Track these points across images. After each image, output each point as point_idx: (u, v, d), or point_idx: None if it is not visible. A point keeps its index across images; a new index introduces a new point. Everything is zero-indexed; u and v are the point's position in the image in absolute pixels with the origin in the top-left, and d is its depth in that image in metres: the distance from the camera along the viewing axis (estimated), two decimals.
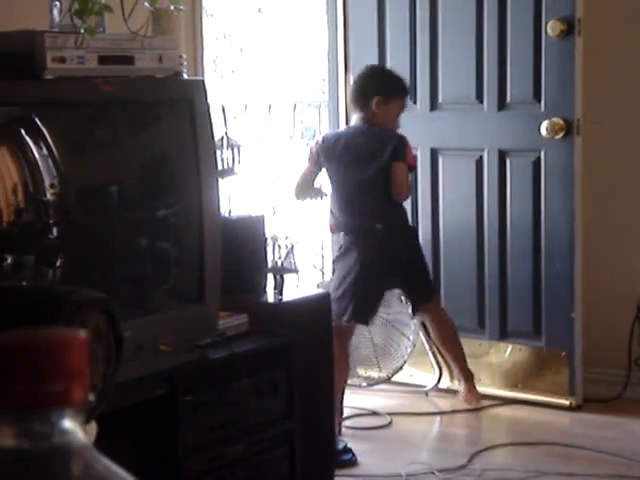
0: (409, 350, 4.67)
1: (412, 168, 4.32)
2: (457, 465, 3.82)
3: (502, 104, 4.52)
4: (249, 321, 3.17)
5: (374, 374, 4.72)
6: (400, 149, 4.16)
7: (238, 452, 3.00)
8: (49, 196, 2.58)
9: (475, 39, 4.52)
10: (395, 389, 4.72)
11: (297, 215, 5.13)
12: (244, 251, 3.35)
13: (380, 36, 4.73)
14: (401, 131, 4.24)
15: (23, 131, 2.56)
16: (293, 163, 5.46)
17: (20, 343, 0.63)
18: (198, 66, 4.17)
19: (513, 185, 4.52)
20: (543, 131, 4.40)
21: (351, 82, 4.79)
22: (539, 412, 4.43)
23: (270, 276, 3.45)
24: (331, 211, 4.30)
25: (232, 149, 3.47)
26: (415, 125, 4.50)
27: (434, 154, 4.69)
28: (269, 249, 3.53)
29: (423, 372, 4.74)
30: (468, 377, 4.49)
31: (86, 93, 2.71)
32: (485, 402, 4.51)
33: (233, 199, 3.58)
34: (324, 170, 4.27)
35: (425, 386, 4.71)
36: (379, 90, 4.18)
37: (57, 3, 2.81)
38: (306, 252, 4.72)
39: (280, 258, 3.57)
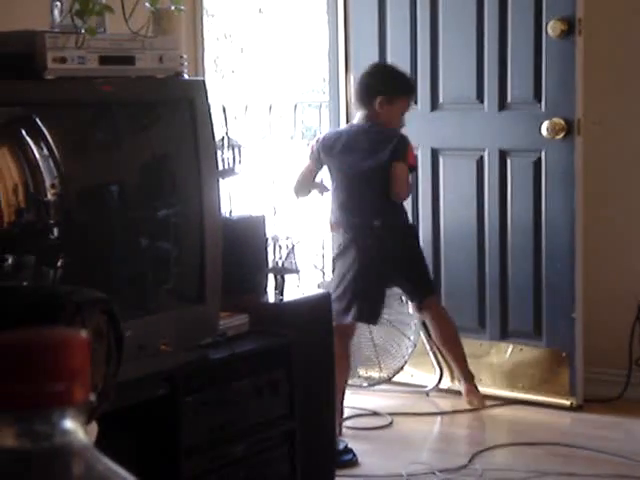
0: (410, 350, 4.67)
1: (413, 168, 4.31)
2: (458, 465, 3.82)
3: (503, 104, 4.52)
4: (250, 321, 3.17)
5: (375, 374, 4.72)
6: (400, 149, 4.15)
7: (239, 452, 3.00)
8: (50, 196, 2.58)
9: (476, 39, 4.52)
10: (396, 389, 4.72)
11: (298, 215, 5.13)
12: (245, 251, 3.35)
13: (381, 36, 4.73)
14: (402, 131, 4.24)
15: (24, 131, 2.56)
16: (294, 163, 5.46)
17: (21, 343, 0.63)
18: (199, 66, 4.17)
19: (514, 185, 4.52)
20: (544, 131, 4.40)
21: (352, 82, 4.79)
22: (540, 412, 4.43)
23: (271, 276, 3.45)
24: (331, 209, 4.29)
25: (233, 149, 3.47)
26: (416, 125, 4.50)
27: (435, 154, 4.69)
28: (270, 249, 3.53)
29: (424, 372, 4.74)
30: (468, 377, 4.49)
31: (87, 93, 2.71)
32: (486, 402, 4.51)
33: (234, 199, 3.58)
34: (325, 168, 4.27)
35: (426, 386, 4.71)
36: (383, 90, 4.16)
37: (58, 3, 2.81)
38: (307, 252, 4.72)
39: (281, 258, 3.57)
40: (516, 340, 4.59)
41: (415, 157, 4.37)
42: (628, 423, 4.25)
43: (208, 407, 2.90)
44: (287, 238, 3.65)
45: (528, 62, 4.41)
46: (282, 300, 3.39)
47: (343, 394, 4.13)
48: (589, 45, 4.32)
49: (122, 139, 2.89)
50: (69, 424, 0.64)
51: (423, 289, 4.41)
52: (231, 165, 3.47)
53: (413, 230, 4.46)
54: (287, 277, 3.47)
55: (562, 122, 4.37)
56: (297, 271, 3.62)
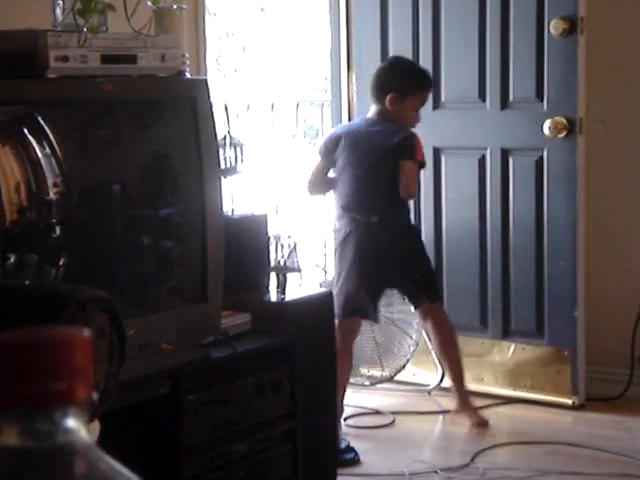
0: (412, 349, 4.66)
1: (422, 164, 4.25)
2: (460, 464, 3.82)
3: (505, 103, 4.52)
4: (252, 320, 3.17)
5: (377, 373, 4.71)
6: (408, 147, 4.11)
7: (241, 451, 3.00)
8: (52, 195, 2.58)
9: (478, 38, 4.52)
10: (398, 388, 4.72)
11: (300, 214, 5.13)
12: (247, 250, 3.35)
13: (383, 35, 4.73)
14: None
15: (26, 130, 2.56)
16: (296, 162, 5.46)
17: (23, 342, 0.63)
18: (201, 65, 4.16)
19: (516, 184, 4.52)
20: (546, 130, 4.39)
21: (354, 81, 4.79)
22: (542, 411, 4.43)
23: (273, 275, 3.45)
24: (334, 203, 4.27)
25: (235, 148, 3.47)
26: (418, 124, 4.49)
27: (437, 153, 4.68)
28: (272, 248, 3.53)
29: (426, 371, 4.74)
30: (465, 401, 4.29)
31: (89, 92, 2.71)
32: (488, 401, 4.50)
33: (236, 198, 3.58)
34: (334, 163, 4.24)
35: (428, 385, 4.71)
36: (394, 87, 4.13)
37: (60, 2, 2.81)
38: (309, 251, 4.72)
39: (283, 257, 3.57)
40: (518, 339, 4.58)
41: (423, 153, 4.30)
42: (630, 422, 4.25)
43: (210, 406, 2.90)
44: (289, 237, 3.65)
45: (530, 61, 4.41)
46: (284, 299, 3.39)
47: (344, 391, 4.11)
48: (591, 44, 4.31)
49: (124, 138, 2.89)
50: (71, 423, 0.64)
51: (425, 294, 4.28)
52: (233, 164, 3.47)
53: (414, 231, 4.38)
54: (289, 276, 3.47)
55: (564, 121, 4.36)
56: (299, 270, 3.62)
